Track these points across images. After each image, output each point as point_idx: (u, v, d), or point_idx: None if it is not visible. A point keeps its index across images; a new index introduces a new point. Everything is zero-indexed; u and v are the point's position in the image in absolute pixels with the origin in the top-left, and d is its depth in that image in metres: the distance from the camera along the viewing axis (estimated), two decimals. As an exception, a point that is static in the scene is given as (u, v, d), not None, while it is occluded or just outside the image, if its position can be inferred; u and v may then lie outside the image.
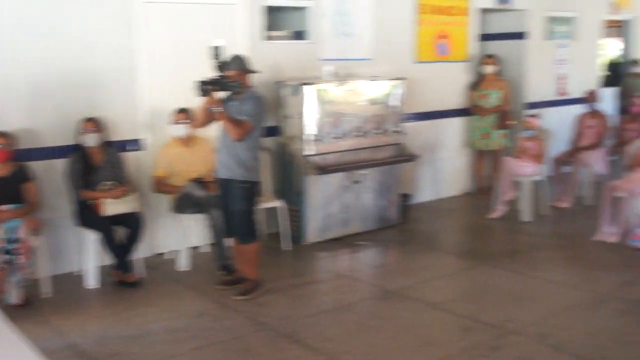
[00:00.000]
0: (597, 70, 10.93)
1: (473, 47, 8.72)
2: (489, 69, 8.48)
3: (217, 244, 5.75)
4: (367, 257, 6.59)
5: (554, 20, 9.90)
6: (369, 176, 6.98)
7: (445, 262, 6.31)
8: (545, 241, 6.98)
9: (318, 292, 5.57)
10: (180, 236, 6.06)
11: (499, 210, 7.60)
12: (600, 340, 4.44)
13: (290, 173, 6.67)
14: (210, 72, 4.94)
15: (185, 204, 5.86)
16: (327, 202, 6.72)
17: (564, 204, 8.01)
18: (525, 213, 7.48)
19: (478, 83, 8.53)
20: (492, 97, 8.43)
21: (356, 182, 6.88)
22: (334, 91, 6.65)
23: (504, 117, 8.47)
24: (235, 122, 4.96)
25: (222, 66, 4.94)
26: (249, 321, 4.84)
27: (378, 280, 5.83)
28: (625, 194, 6.49)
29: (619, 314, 4.91)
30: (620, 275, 5.74)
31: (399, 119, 7.23)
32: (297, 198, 6.60)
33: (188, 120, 5.90)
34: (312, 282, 5.81)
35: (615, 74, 11.78)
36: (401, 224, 7.35)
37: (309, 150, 6.51)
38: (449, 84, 8.51)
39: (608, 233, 6.63)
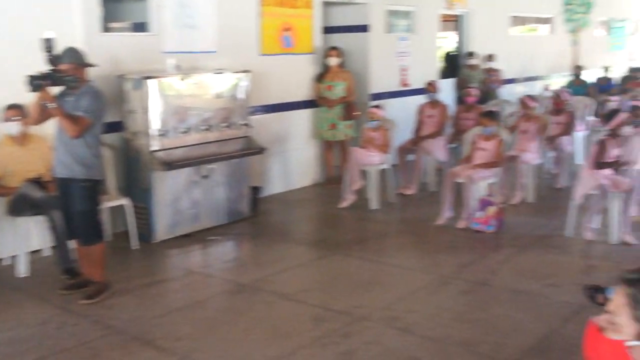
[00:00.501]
0: (436, 62, 11.42)
1: (318, 39, 8.83)
2: (333, 61, 8.61)
3: (59, 247, 5.45)
4: (219, 252, 6.51)
5: (394, 13, 10.23)
6: (218, 170, 6.89)
7: (297, 252, 6.35)
8: (392, 228, 7.22)
9: (169, 291, 5.43)
10: (18, 240, 5.68)
11: (348, 200, 7.76)
12: (445, 319, 4.64)
13: (135, 169, 6.46)
14: (44, 66, 4.66)
15: (21, 206, 5.51)
16: (175, 198, 6.57)
17: (410, 191, 8.30)
18: (373, 201, 7.68)
19: (323, 75, 8.64)
20: (337, 89, 8.58)
21: (205, 176, 6.77)
22: (178, 85, 6.49)
23: (350, 108, 8.64)
24: (72, 118, 4.72)
25: (54, 60, 4.67)
26: (96, 325, 4.63)
27: (231, 275, 5.77)
28: (465, 180, 6.82)
29: (460, 294, 5.15)
30: (461, 257, 6.02)
31: (245, 112, 7.19)
32: (144, 195, 6.40)
33: (20, 117, 5.54)
34: (162, 280, 5.65)
35: (452, 65, 12.38)
36: (252, 217, 7.32)
37: (155, 145, 6.33)
38: (294, 76, 8.56)
39: (448, 217, 6.94)
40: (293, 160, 8.72)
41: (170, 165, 6.36)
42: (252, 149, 7.23)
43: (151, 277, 5.64)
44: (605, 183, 6.23)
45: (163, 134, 6.36)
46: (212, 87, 6.85)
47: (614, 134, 6.47)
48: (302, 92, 8.70)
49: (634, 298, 1.55)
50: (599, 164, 6.39)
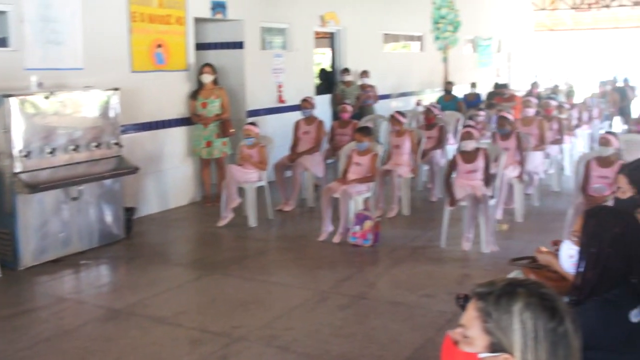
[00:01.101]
0: (312, 78, 11.53)
1: (191, 56, 8.69)
2: (207, 77, 8.47)
3: None
4: (92, 277, 6.23)
5: (268, 30, 10.25)
6: (88, 191, 6.61)
7: (173, 274, 6.17)
8: (271, 245, 7.17)
9: (36, 321, 5.10)
10: None
11: (226, 218, 7.65)
12: (323, 335, 4.63)
13: (-2, 193, 6.09)
14: None
15: None
16: (42, 222, 6.24)
17: (288, 208, 8.30)
18: (252, 219, 7.61)
19: (197, 92, 8.50)
20: (212, 106, 8.45)
21: (74, 198, 6.47)
22: (42, 103, 6.18)
23: (225, 125, 8.51)
24: None
25: None
26: (-48, 363, 4.31)
27: (103, 301, 5.53)
28: (341, 195, 6.88)
29: (339, 309, 5.16)
30: (340, 272, 6.05)
31: (117, 131, 6.95)
32: (7, 220, 6.05)
33: None
34: (29, 310, 5.31)
35: (328, 82, 12.54)
36: (127, 239, 7.07)
37: (18, 167, 5.99)
38: (168, 94, 8.38)
39: (329, 232, 6.98)
40: (169, 179, 8.51)
41: (35, 187, 6.04)
42: (124, 169, 6.99)
43: (16, 308, 5.30)
44: (472, 193, 6.46)
45: (26, 154, 6.03)
46: (79, 106, 6.57)
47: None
48: (177, 109, 8.51)
49: (484, 311, 1.57)
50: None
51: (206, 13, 8.90)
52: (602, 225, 2.48)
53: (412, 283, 5.70)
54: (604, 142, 6.39)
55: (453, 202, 6.61)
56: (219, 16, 9.09)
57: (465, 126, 7.11)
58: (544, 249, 3.08)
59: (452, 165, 6.91)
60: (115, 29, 7.63)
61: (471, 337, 1.60)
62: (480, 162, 6.71)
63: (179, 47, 8.47)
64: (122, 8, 7.68)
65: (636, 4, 24.34)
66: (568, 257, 2.66)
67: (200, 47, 9.26)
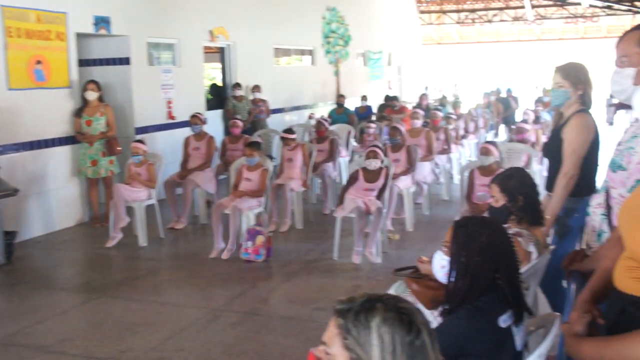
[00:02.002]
0: (202, 93, 11.38)
1: (74, 72, 8.38)
2: (92, 94, 8.19)
3: None
4: (-32, 307, 5.88)
5: (156, 46, 10.06)
6: (-37, 216, 6.25)
7: (58, 299, 5.89)
8: (162, 264, 7.00)
9: None
10: None
11: (115, 238, 7.41)
12: (214, 354, 4.53)
13: None
14: None
15: None
16: None
17: (180, 225, 8.14)
18: (142, 238, 7.41)
19: (82, 109, 8.21)
20: (97, 124, 8.17)
21: (-53, 224, 6.10)
22: None
23: (111, 143, 8.25)
24: None
25: None
26: None
27: (-20, 332, 5.21)
28: (232, 211, 6.80)
29: (231, 327, 5.07)
30: (232, 289, 5.96)
31: (-7, 151, 6.62)
32: None
33: None
34: None
35: (219, 97, 12.43)
36: (7, 265, 6.73)
37: None
38: (50, 112, 8.05)
39: (221, 249, 6.87)
40: (54, 200, 8.17)
41: None
42: (2, 191, 6.64)
43: None
44: (361, 206, 6.53)
45: None
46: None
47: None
48: (60, 128, 8.19)
49: (343, 328, 1.58)
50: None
51: (89, 28, 8.62)
52: (470, 235, 2.54)
53: (304, 297, 5.69)
54: (484, 151, 6.61)
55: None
56: (102, 32, 8.82)
57: (370, 146, 7.17)
58: (425, 258, 3.13)
59: (352, 179, 6.96)
60: (-11, 45, 7.28)
61: (333, 354, 1.60)
62: (380, 182, 6.80)
63: (61, 63, 8.15)
64: (-4, 23, 7.33)
65: (516, 19, 25.58)
66: (440, 267, 2.71)
67: (85, 63, 8.97)
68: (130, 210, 7.51)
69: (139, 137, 8.60)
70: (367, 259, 6.60)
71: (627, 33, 2.80)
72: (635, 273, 1.88)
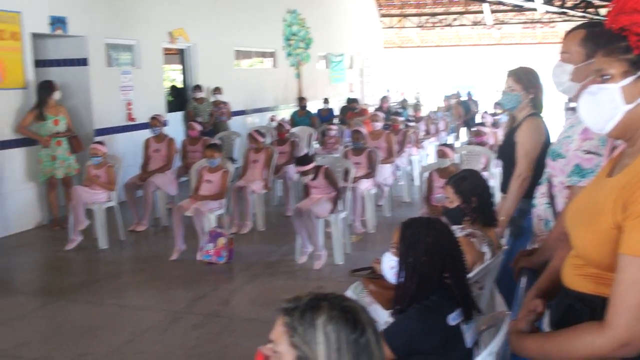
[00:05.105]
0: (163, 95, 11.32)
1: (30, 73, 8.26)
2: (58, 94, 8.13)
3: None
4: None
5: (114, 47, 9.98)
6: None
7: (14, 303, 5.81)
8: (123, 267, 6.96)
9: None
10: None
11: (74, 241, 7.35)
12: (174, 357, 4.54)
13: None
14: None
15: None
16: None
17: (141, 228, 8.09)
18: (102, 240, 7.36)
19: (42, 110, 8.06)
20: (63, 123, 8.11)
21: None
22: None
23: (77, 141, 8.25)
24: None
25: None
26: None
27: None
28: (193, 213, 6.79)
29: (192, 329, 5.07)
30: (194, 291, 5.96)
31: (-52, 153, 6.51)
32: None
33: None
34: None
35: (180, 99, 12.38)
36: (-37, 269, 6.63)
37: None
38: (6, 113, 7.94)
39: (181, 251, 6.86)
40: (11, 202, 8.06)
41: None
42: (-43, 194, 6.55)
43: None
44: (297, 207, 6.59)
45: None
46: None
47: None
48: (15, 129, 8.06)
49: (290, 326, 1.63)
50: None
51: (45, 28, 8.51)
52: (416, 235, 2.60)
53: (266, 298, 5.70)
54: (440, 154, 6.72)
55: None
56: (59, 32, 8.72)
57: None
58: (379, 259, 3.18)
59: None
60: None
61: (280, 352, 1.64)
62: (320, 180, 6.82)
63: (16, 63, 8.04)
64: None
65: (475, 24, 25.91)
66: (389, 267, 2.76)
67: (42, 64, 8.86)
68: (90, 213, 7.44)
69: (98, 138, 8.53)
70: (329, 260, 6.64)
71: (572, 30, 2.92)
72: (581, 270, 1.94)
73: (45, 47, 9.00)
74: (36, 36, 8.46)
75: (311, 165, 6.67)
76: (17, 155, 8.14)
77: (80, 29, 9.06)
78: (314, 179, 6.74)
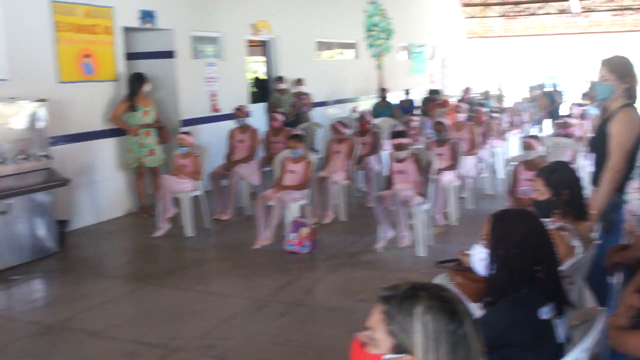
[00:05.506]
0: (246, 86, 11.51)
1: (121, 66, 8.56)
2: (149, 87, 8.45)
3: None
4: (22, 292, 6.06)
5: (200, 39, 10.20)
6: (17, 205, 6.45)
7: (108, 287, 6.06)
8: (208, 254, 7.13)
9: (-36, 339, 4.97)
10: None
11: (162, 228, 7.57)
12: (260, 343, 4.62)
13: None
14: None
15: None
16: (-31, 238, 6.06)
17: (225, 217, 8.26)
18: (188, 228, 7.55)
19: (134, 102, 8.35)
20: (152, 114, 8.42)
21: (2, 212, 6.30)
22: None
23: (165, 132, 8.55)
24: None
25: None
26: None
27: (35, 316, 5.39)
28: (276, 203, 6.89)
29: (276, 317, 5.16)
30: (277, 279, 6.05)
31: (45, 143, 6.82)
32: None
33: None
34: (-44, 328, 5.16)
35: (263, 90, 12.55)
36: (60, 252, 6.94)
37: (-59, 181, 5.82)
38: (98, 104, 8.26)
39: (265, 240, 6.97)
40: (103, 190, 8.38)
41: (-40, 202, 5.87)
42: (54, 181, 6.85)
43: (-58, 326, 5.15)
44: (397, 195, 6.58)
45: (-50, 168, 5.87)
46: (4, 117, 6.43)
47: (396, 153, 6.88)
48: (107, 120, 8.39)
49: (387, 314, 1.64)
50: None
51: (135, 22, 8.81)
52: (507, 227, 2.57)
53: (348, 288, 5.74)
54: (526, 146, 6.58)
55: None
56: (148, 25, 9.00)
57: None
58: (467, 252, 3.16)
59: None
60: (40, 39, 7.48)
61: (377, 339, 1.66)
62: (410, 165, 6.83)
63: (108, 57, 8.35)
64: (46, 18, 7.52)
65: (561, 12, 25.16)
66: (479, 260, 2.74)
67: (131, 56, 9.14)
68: (176, 201, 7.65)
69: (184, 129, 8.75)
70: (410, 251, 6.62)
71: None
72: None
73: (134, 41, 9.29)
74: (127, 30, 8.75)
75: (408, 140, 6.69)
76: (108, 145, 8.45)
77: (168, 23, 9.31)
78: (401, 161, 6.77)
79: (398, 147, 6.85)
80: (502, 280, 2.54)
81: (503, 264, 2.54)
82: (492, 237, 2.61)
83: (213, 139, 9.47)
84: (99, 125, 8.27)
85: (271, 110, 11.29)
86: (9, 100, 6.59)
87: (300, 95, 12.14)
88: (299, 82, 12.34)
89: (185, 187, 7.61)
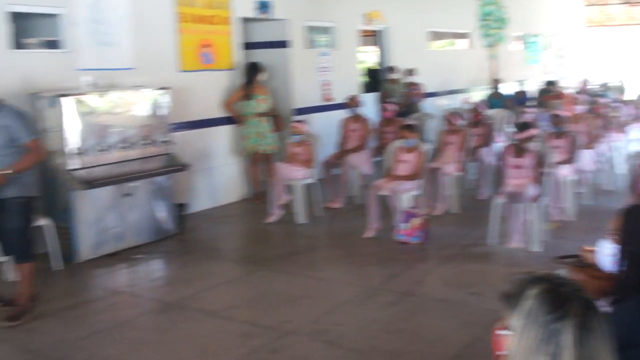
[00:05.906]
0: (358, 76, 11.56)
1: (238, 55, 8.80)
2: (265, 76, 8.65)
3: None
4: (145, 271, 6.37)
5: (313, 29, 10.32)
6: (141, 188, 6.77)
7: (224, 269, 6.28)
8: (320, 241, 7.23)
9: (93, 312, 5.26)
10: None
11: (275, 215, 7.73)
12: (371, 331, 4.66)
13: (54, 189, 6.27)
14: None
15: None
16: (98, 217, 6.41)
17: (336, 205, 8.34)
18: (300, 215, 7.68)
19: (251, 90, 8.58)
20: (268, 102, 8.64)
21: (127, 194, 6.63)
22: (95, 102, 6.38)
23: (279, 119, 8.74)
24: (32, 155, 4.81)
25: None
26: (17, 350, 4.47)
27: (157, 294, 5.67)
28: (388, 192, 6.90)
29: (387, 306, 5.18)
30: (388, 268, 6.07)
31: (167, 129, 7.11)
32: (64, 215, 6.23)
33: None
34: (86, 301, 5.48)
35: (375, 80, 12.55)
36: (179, 234, 7.22)
37: (73, 164, 6.18)
38: (215, 92, 8.53)
39: (375, 229, 7.00)
40: (218, 176, 8.65)
41: (90, 183, 6.22)
42: (174, 166, 7.14)
43: (74, 299, 5.48)
44: (515, 191, 6.42)
45: (81, 152, 6.22)
46: (131, 104, 6.75)
47: (519, 145, 6.69)
48: (222, 105, 8.65)
49: (509, 294, 1.68)
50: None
51: (251, 13, 9.03)
52: (638, 223, 2.47)
53: (460, 281, 5.69)
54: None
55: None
56: (264, 16, 9.20)
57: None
58: (588, 247, 3.06)
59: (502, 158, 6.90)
60: (163, 30, 7.81)
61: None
62: (528, 160, 6.65)
63: (226, 46, 8.61)
64: (169, 9, 7.85)
65: (692, -3, 23.74)
66: (607, 256, 2.65)
67: (247, 46, 9.36)
68: (289, 189, 7.80)
69: (298, 117, 8.89)
70: (522, 246, 6.48)
71: None
72: None
73: (251, 31, 9.51)
74: (244, 20, 8.97)
75: (533, 132, 6.54)
76: (224, 132, 8.71)
77: (283, 13, 9.48)
78: (519, 156, 6.60)
79: (523, 141, 6.63)
80: (632, 277, 2.45)
81: (633, 260, 2.46)
82: (622, 233, 2.52)
83: (324, 128, 9.56)
84: (215, 112, 8.54)
85: (382, 100, 11.29)
86: (135, 88, 6.92)
87: (411, 85, 12.07)
88: (410, 72, 12.26)
89: (298, 175, 7.74)
